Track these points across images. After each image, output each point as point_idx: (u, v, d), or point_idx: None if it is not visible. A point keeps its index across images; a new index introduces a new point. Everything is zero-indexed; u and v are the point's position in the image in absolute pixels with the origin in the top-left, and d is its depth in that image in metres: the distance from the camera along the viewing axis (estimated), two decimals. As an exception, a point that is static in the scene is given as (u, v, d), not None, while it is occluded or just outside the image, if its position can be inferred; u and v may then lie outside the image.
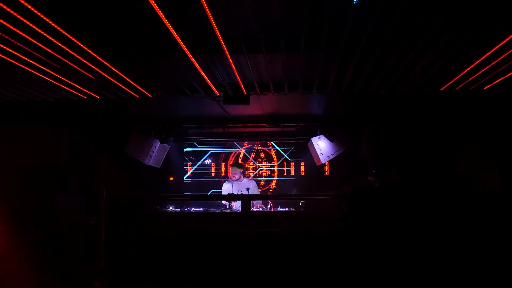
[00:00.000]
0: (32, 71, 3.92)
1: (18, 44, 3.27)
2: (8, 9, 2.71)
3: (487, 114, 5.21)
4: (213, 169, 8.67)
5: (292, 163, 8.56)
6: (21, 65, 3.76)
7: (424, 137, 6.00)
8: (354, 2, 2.71)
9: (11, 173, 5.38)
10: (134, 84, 4.44)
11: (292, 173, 8.57)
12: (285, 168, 8.58)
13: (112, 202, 5.71)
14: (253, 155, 8.66)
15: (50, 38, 3.17)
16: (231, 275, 5.21)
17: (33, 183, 5.40)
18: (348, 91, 4.70)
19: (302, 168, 8.50)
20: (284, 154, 8.54)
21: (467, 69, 3.98)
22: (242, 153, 8.66)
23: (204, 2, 2.68)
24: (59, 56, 3.56)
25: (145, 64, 3.90)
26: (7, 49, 3.39)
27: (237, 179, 6.71)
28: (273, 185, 8.59)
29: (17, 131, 5.61)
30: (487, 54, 3.57)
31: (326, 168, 8.33)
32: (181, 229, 5.44)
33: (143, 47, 3.46)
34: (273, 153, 8.64)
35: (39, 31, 3.04)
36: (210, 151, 8.62)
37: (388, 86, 4.53)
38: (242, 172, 6.82)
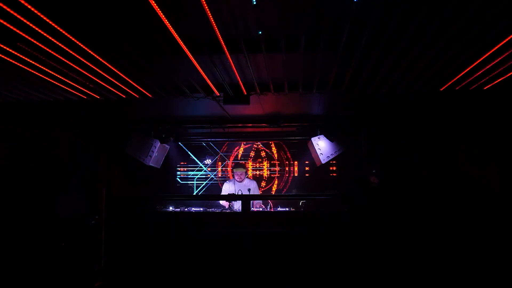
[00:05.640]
0: (32, 71, 3.92)
1: (18, 44, 3.28)
2: (8, 9, 2.72)
3: (487, 114, 5.21)
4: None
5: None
6: (21, 65, 3.76)
7: (424, 137, 6.00)
8: (355, 1, 2.71)
9: (11, 173, 5.39)
10: (134, 84, 4.45)
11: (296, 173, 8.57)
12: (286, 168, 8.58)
13: (112, 202, 5.71)
14: (252, 153, 8.67)
15: (50, 38, 3.17)
16: (231, 275, 5.21)
17: (33, 183, 5.41)
18: (348, 91, 4.70)
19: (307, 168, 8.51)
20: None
21: (467, 69, 3.98)
22: (240, 152, 8.66)
23: (204, 2, 2.69)
24: (59, 56, 3.56)
25: (145, 64, 3.90)
26: (7, 49, 3.40)
27: (242, 180, 6.74)
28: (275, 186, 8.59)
29: (17, 131, 5.62)
30: (486, 55, 3.58)
31: (331, 168, 8.33)
32: (181, 229, 5.44)
33: (143, 47, 3.46)
34: (275, 152, 8.64)
35: (40, 31, 3.05)
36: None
37: (388, 86, 4.54)
38: (245, 172, 6.86)
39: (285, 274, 5.18)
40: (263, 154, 8.61)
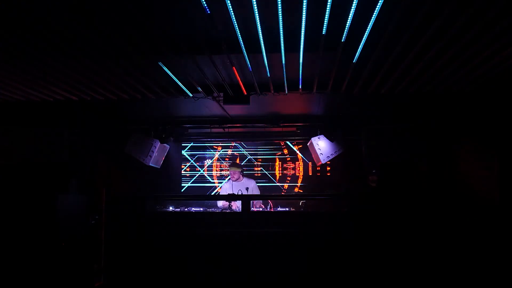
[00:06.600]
0: (32, 70, 3.93)
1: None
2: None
3: (487, 113, 5.20)
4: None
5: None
6: (22, 64, 3.77)
7: (424, 137, 6.00)
8: (355, 2, 2.72)
9: (11, 172, 5.39)
10: (134, 84, 4.44)
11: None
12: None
13: (112, 202, 5.70)
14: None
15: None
16: (231, 275, 5.21)
17: (33, 183, 5.40)
18: (348, 91, 4.70)
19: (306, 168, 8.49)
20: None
21: (466, 70, 3.98)
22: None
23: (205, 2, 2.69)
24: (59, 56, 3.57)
25: (145, 64, 3.90)
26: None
27: (236, 179, 6.70)
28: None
29: (17, 131, 5.61)
30: (485, 54, 3.58)
31: (328, 168, 8.33)
32: (181, 229, 5.44)
33: (143, 47, 3.46)
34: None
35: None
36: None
37: (388, 86, 4.54)
38: (241, 171, 6.80)
39: (285, 274, 5.18)
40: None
